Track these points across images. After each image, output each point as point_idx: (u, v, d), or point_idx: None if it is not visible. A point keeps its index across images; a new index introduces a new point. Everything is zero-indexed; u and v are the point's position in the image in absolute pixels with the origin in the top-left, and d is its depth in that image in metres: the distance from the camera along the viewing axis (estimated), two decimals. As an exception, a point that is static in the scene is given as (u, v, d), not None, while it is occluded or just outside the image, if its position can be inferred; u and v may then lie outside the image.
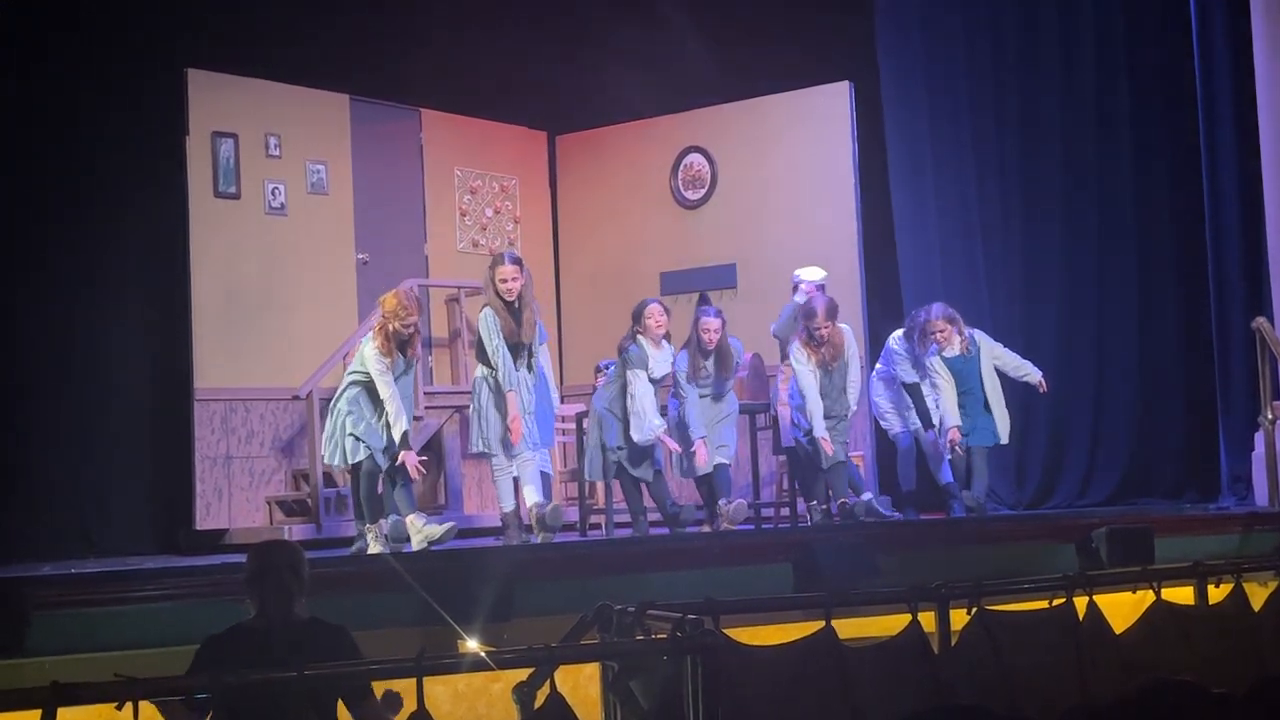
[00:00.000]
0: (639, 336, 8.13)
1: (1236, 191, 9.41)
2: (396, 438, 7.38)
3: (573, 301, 11.28)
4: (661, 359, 8.14)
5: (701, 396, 8.30)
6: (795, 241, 10.27)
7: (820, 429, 8.29)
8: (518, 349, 7.62)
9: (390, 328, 7.42)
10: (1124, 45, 10.10)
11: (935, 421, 8.73)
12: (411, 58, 10.36)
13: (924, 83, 10.27)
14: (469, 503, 9.99)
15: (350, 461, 7.52)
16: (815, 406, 8.32)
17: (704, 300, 9.98)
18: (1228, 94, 9.43)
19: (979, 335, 8.79)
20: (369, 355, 7.45)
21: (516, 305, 7.63)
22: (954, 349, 8.63)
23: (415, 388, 8.28)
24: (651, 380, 8.07)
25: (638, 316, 8.18)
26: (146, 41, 9.07)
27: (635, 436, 8.01)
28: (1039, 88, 10.24)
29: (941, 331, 8.61)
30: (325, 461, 7.88)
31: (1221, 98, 9.46)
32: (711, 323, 8.26)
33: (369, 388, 7.48)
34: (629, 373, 8.06)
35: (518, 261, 7.72)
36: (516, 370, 7.60)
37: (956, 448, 8.54)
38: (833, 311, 8.42)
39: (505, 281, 7.59)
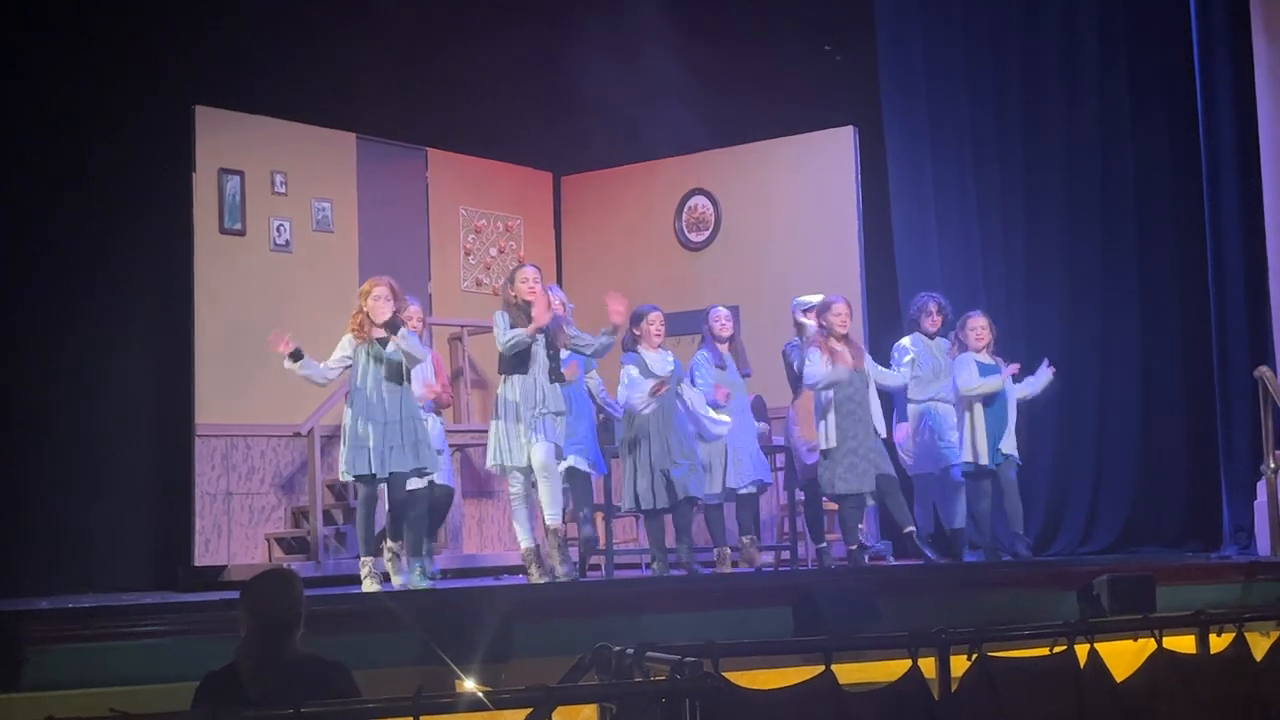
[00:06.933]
0: (638, 343, 8.02)
1: (1239, 239, 9.44)
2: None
3: (575, 342, 11.27)
4: (658, 360, 8.02)
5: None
6: (798, 285, 10.23)
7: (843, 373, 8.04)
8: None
9: (362, 306, 7.18)
10: (1128, 87, 10.15)
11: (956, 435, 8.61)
12: (418, 97, 10.43)
13: (927, 128, 10.30)
14: (469, 542, 9.96)
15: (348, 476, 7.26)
16: (831, 372, 8.00)
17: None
18: (1231, 138, 9.47)
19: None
20: (337, 348, 7.26)
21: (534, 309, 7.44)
22: (986, 357, 8.59)
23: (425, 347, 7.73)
24: (651, 374, 7.95)
25: (636, 320, 8.04)
26: (154, 78, 9.13)
27: (628, 396, 7.87)
28: (1042, 132, 10.29)
29: (979, 330, 8.56)
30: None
31: (1225, 143, 9.50)
32: (720, 313, 8.42)
33: (356, 398, 7.21)
34: (622, 368, 7.99)
35: (538, 268, 7.63)
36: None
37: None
38: (849, 307, 8.35)
39: (527, 281, 7.41)
